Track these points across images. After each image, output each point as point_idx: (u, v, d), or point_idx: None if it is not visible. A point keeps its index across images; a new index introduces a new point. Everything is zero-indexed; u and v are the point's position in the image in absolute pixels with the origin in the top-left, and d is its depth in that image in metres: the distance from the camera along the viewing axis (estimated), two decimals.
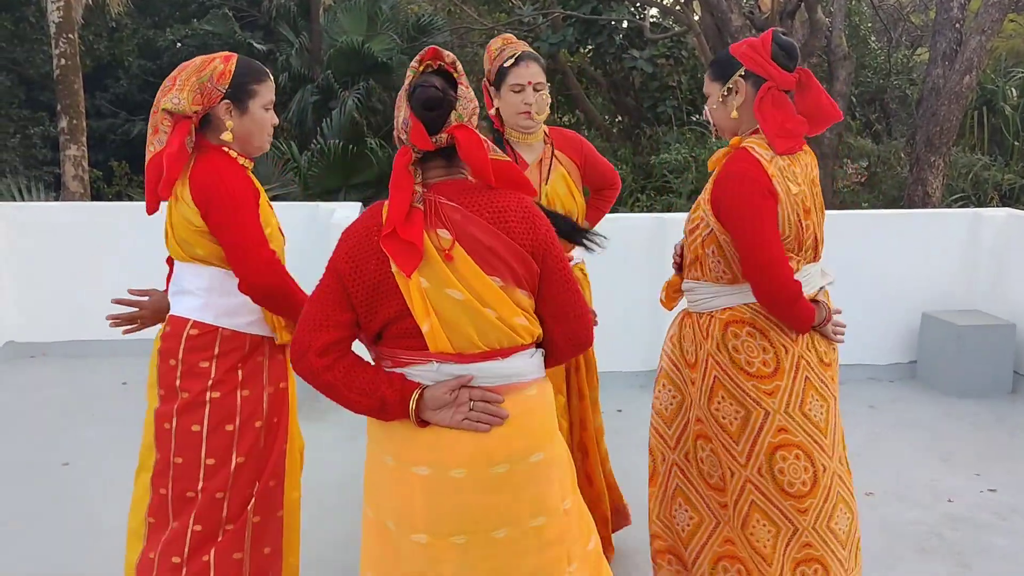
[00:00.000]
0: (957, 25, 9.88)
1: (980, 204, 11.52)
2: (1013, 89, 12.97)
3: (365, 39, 14.37)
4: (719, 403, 2.86)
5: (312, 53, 15.10)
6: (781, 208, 2.73)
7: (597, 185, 3.64)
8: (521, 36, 15.11)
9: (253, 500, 2.76)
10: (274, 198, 7.11)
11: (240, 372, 2.74)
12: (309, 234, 5.65)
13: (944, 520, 4.26)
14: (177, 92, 2.67)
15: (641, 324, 6.00)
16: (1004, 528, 4.18)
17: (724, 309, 2.87)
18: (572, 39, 13.85)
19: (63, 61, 10.20)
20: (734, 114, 2.83)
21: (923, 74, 11.38)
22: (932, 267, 6.39)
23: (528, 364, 2.24)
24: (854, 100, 15.48)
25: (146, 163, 2.72)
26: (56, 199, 11.01)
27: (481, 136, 2.17)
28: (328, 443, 4.90)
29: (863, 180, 14.60)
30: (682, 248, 3.04)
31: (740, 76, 2.80)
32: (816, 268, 2.97)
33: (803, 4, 9.42)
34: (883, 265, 6.36)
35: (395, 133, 2.23)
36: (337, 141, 12.64)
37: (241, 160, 2.76)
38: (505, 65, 3.29)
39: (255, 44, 15.64)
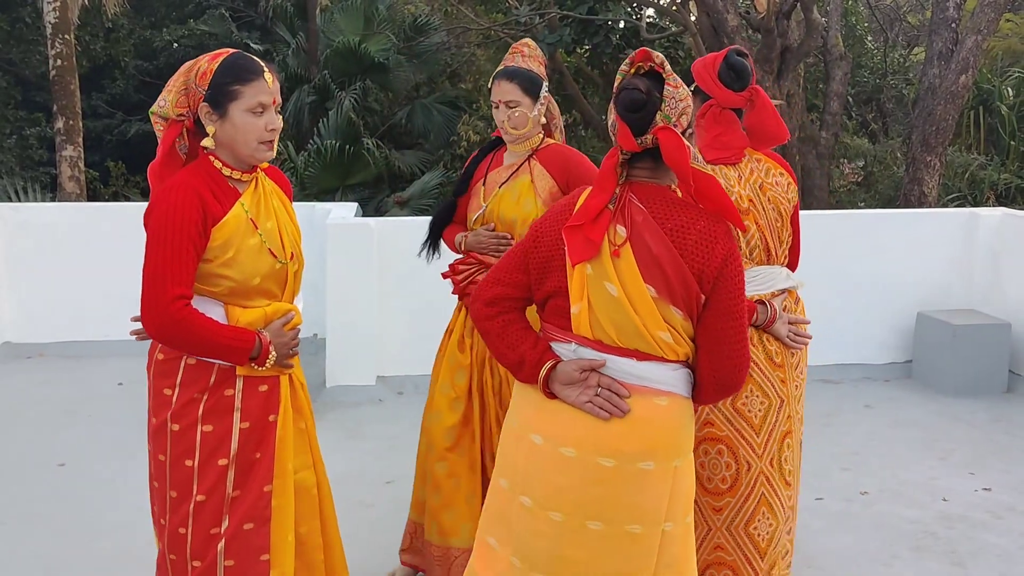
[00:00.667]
0: (953, 25, 9.90)
1: (976, 204, 11.54)
2: (1009, 89, 12.99)
3: (362, 39, 14.36)
4: (747, 398, 2.95)
5: (309, 53, 15.09)
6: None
7: None
8: (517, 36, 15.11)
9: (223, 541, 2.52)
10: None
11: (201, 406, 2.50)
12: (304, 234, 5.63)
13: (939, 519, 4.27)
14: (165, 93, 2.51)
15: None
16: (999, 527, 4.19)
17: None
18: (569, 39, 13.83)
19: (59, 62, 10.20)
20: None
21: (919, 74, 11.40)
22: (928, 266, 6.41)
23: (666, 375, 2.24)
24: (851, 100, 15.51)
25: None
26: (52, 200, 11.01)
27: (686, 142, 2.17)
28: (328, 443, 4.89)
29: (860, 180, 14.63)
30: None
31: (691, 91, 2.89)
32: (771, 270, 3.06)
33: (799, 4, 9.42)
34: (879, 264, 6.38)
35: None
36: (334, 141, 12.63)
37: (226, 171, 2.51)
38: (489, 85, 3.38)
39: (252, 44, 15.62)
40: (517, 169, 3.38)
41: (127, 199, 14.33)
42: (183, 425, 2.50)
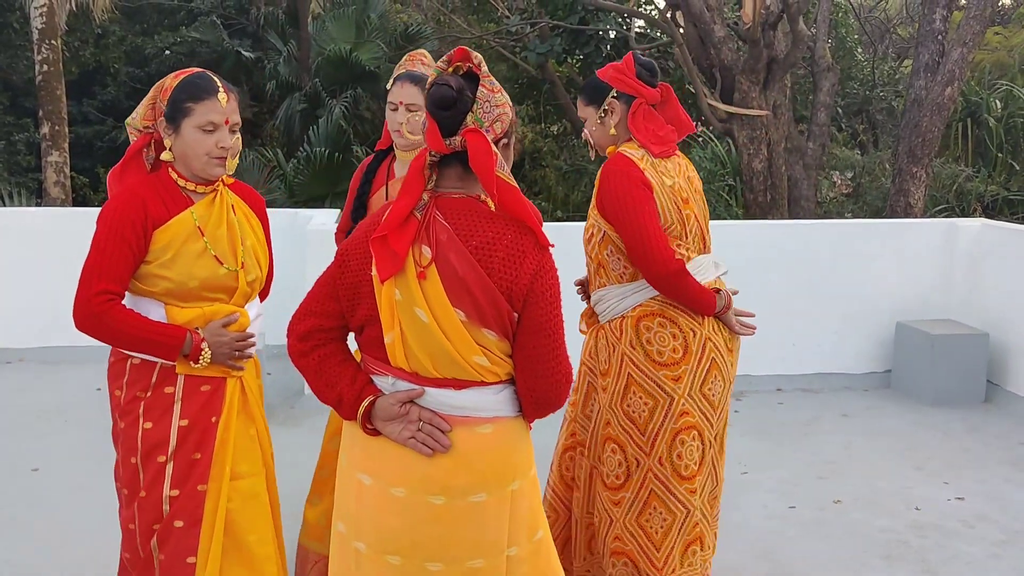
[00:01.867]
0: (939, 37, 9.92)
1: (964, 215, 11.57)
2: (997, 101, 13.04)
3: (353, 48, 14.39)
4: (631, 399, 3.10)
5: (300, 61, 15.11)
6: (657, 197, 3.03)
7: None
8: (509, 46, 15.15)
9: (155, 537, 2.61)
10: None
11: (142, 404, 2.61)
12: (287, 240, 5.65)
13: (911, 527, 4.28)
14: (139, 107, 2.67)
15: None
16: (970, 536, 4.19)
17: (635, 307, 3.10)
18: (560, 49, 13.88)
19: (45, 67, 10.22)
20: (612, 131, 3.15)
21: (906, 85, 11.44)
22: (907, 276, 6.43)
23: (487, 400, 2.13)
24: (840, 111, 15.55)
25: None
26: (39, 205, 11.00)
27: (493, 148, 2.04)
28: (306, 449, 4.88)
29: (849, 192, 14.66)
30: (584, 279, 3.33)
31: (613, 97, 3.12)
32: (708, 259, 3.20)
33: (785, 15, 9.45)
34: (859, 274, 6.39)
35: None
36: (324, 149, 12.64)
37: (181, 183, 2.64)
38: (387, 86, 3.33)
39: (243, 52, 15.64)
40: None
41: None
42: (127, 423, 2.62)
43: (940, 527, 4.28)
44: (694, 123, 3.49)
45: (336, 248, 2.84)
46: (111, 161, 17.91)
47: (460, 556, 2.12)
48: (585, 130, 3.25)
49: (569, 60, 15.05)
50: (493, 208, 2.09)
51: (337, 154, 12.63)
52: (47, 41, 10.21)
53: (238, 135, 2.64)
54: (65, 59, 11.15)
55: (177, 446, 2.60)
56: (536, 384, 2.13)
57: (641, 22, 14.10)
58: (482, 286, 2.04)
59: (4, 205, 9.94)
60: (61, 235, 6.72)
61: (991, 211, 11.88)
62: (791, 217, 9.96)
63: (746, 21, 9.39)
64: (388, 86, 3.35)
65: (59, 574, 3.74)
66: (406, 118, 3.26)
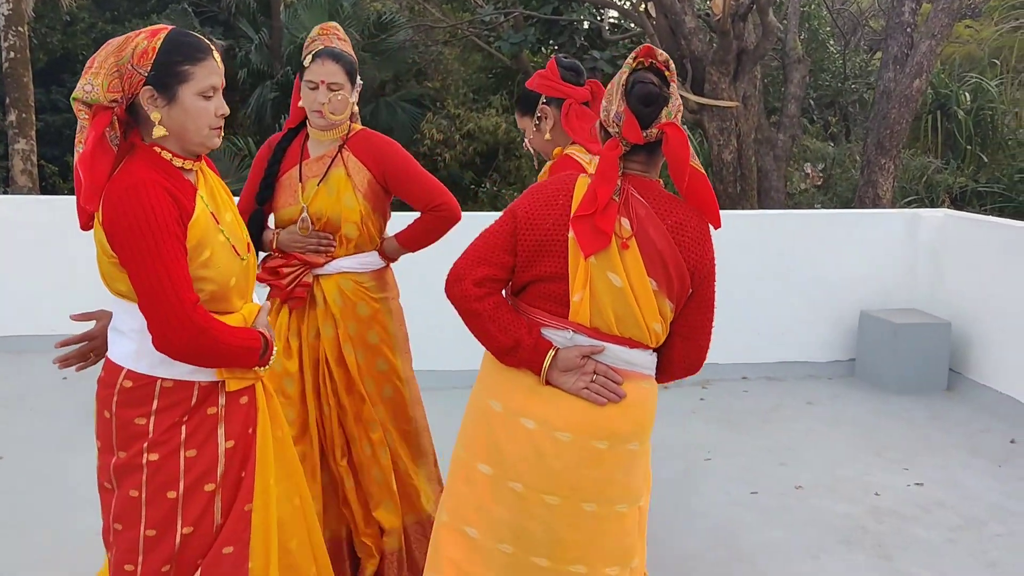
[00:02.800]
0: (908, 29, 10.01)
1: (933, 207, 11.67)
2: (966, 94, 13.16)
3: None
4: None
5: (272, 49, 15.03)
6: None
7: (418, 204, 3.39)
8: (483, 35, 15.14)
9: (199, 570, 2.29)
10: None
11: (184, 429, 2.26)
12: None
13: (870, 513, 4.33)
14: (92, 76, 2.14)
15: None
16: (927, 520, 4.26)
17: None
18: (534, 39, 13.90)
19: (12, 54, 10.11)
20: (548, 136, 3.16)
21: (876, 77, 11.52)
22: (871, 266, 6.49)
23: (648, 360, 2.38)
24: (811, 103, 15.64)
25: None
26: (5, 193, 10.91)
27: (689, 139, 2.26)
28: None
29: (820, 183, 14.76)
30: None
31: (544, 103, 3.14)
32: None
33: (755, 7, 9.50)
34: (823, 264, 6.45)
35: (600, 124, 2.36)
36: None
37: (177, 162, 2.24)
38: (304, 62, 3.21)
39: (215, 39, 15.53)
40: (331, 162, 3.26)
41: None
42: (163, 454, 2.24)
43: (898, 513, 4.34)
44: None
45: None
46: None
47: (612, 499, 2.33)
48: (526, 141, 3.29)
49: (543, 50, 15.05)
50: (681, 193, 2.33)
51: None
52: (14, 28, 10.10)
53: None
54: (32, 46, 11.05)
55: (224, 470, 2.31)
56: (692, 351, 2.42)
57: (614, 13, 14.12)
58: (676, 261, 2.28)
59: None
60: (28, 224, 6.68)
61: (960, 203, 12.00)
62: (761, 208, 10.04)
63: (716, 13, 9.45)
64: (305, 62, 3.20)
65: (27, 561, 3.72)
66: (328, 97, 3.18)
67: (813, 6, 15.55)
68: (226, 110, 2.28)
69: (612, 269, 2.25)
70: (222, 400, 2.31)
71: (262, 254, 3.36)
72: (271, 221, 3.38)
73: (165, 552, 2.26)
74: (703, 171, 2.33)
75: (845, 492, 4.56)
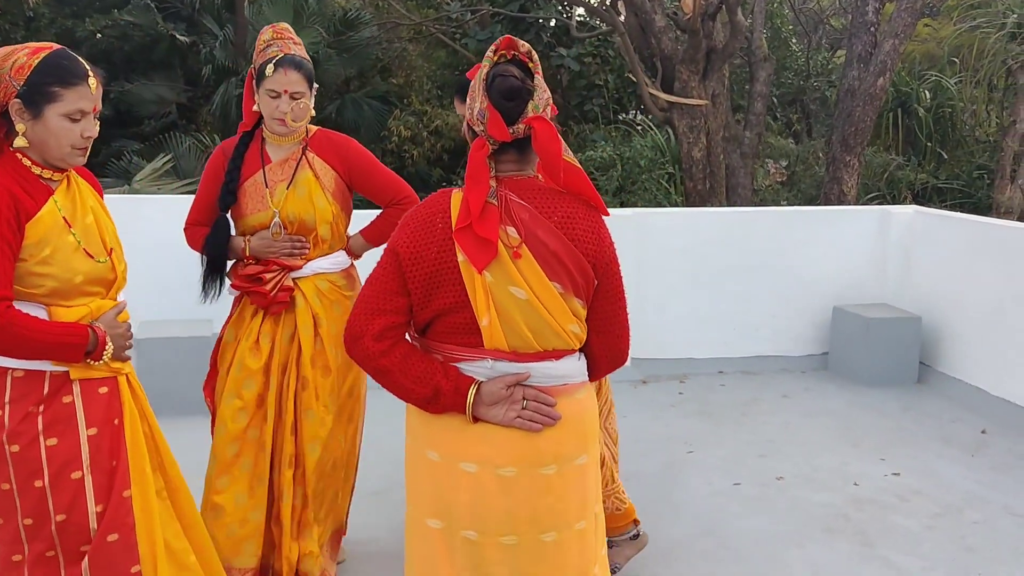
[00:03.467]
0: (872, 29, 10.18)
1: (895, 203, 11.87)
2: (927, 92, 13.38)
3: None
4: None
5: (237, 46, 14.91)
6: None
7: (380, 200, 3.46)
8: (449, 32, 15.15)
9: (85, 559, 2.36)
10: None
11: (40, 419, 2.32)
12: None
13: (850, 502, 4.44)
14: None
15: None
16: (905, 509, 4.37)
17: None
18: (500, 36, 13.93)
19: None
20: None
21: (840, 76, 11.71)
22: (843, 262, 6.62)
23: (577, 367, 2.26)
24: (775, 101, 15.82)
25: None
26: None
27: (557, 132, 2.13)
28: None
29: (783, 180, 14.95)
30: None
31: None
32: None
33: (724, 6, 9.61)
34: (796, 260, 6.57)
35: (465, 124, 2.24)
36: None
37: (36, 170, 2.36)
38: (265, 70, 3.18)
39: (178, 36, 15.37)
40: (297, 165, 3.28)
41: None
42: (23, 444, 2.31)
43: (877, 501, 4.45)
44: (635, 112, 3.64)
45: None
46: None
47: (570, 521, 2.22)
48: (463, 127, 3.33)
49: None
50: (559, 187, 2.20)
51: None
52: None
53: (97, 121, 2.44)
54: None
55: (91, 457, 2.37)
56: (612, 343, 2.30)
57: (582, 10, 14.20)
58: (573, 258, 2.15)
59: None
60: None
61: (921, 199, 12.21)
62: (728, 205, 10.16)
63: (686, 11, 9.54)
64: (267, 71, 3.16)
65: None
66: (290, 106, 3.19)
67: (775, 4, 15.74)
68: (93, 133, 2.38)
69: (512, 283, 2.11)
70: (77, 389, 2.37)
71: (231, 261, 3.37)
72: (233, 228, 3.35)
73: (45, 538, 2.34)
74: (577, 164, 2.21)
75: (825, 482, 4.66)
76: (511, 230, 2.12)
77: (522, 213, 2.14)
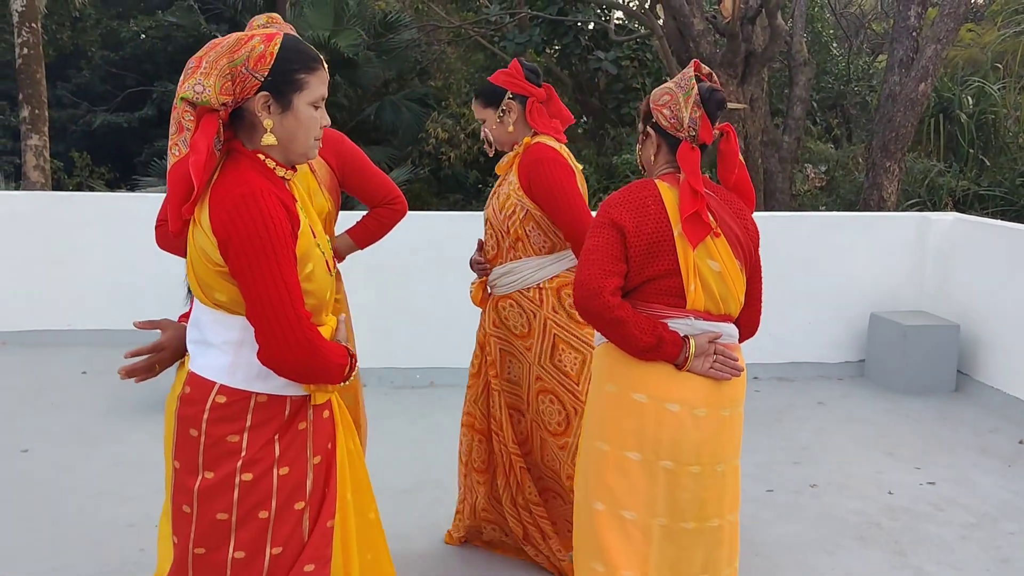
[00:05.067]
0: (914, 33, 10.09)
1: (935, 210, 11.74)
2: (969, 97, 13.23)
3: (331, 34, 14.36)
4: (560, 355, 3.45)
5: None
6: (578, 180, 3.45)
7: (370, 200, 3.48)
8: (488, 35, 15.18)
9: None
10: None
11: (277, 446, 2.15)
12: None
13: (884, 510, 4.41)
14: (202, 76, 2.03)
15: None
16: (940, 518, 4.33)
17: (552, 277, 3.46)
18: (538, 39, 13.93)
19: (25, 50, 10.15)
20: (511, 128, 3.51)
21: (881, 81, 11.61)
22: (881, 269, 6.57)
23: (736, 330, 2.74)
24: (815, 105, 15.71)
25: (168, 169, 2.08)
26: (17, 189, 10.95)
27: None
28: None
29: (823, 185, 14.85)
30: (481, 258, 3.64)
31: (510, 98, 3.49)
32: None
33: (764, 10, 9.57)
34: (834, 266, 6.53)
35: (663, 130, 2.66)
36: None
37: (280, 171, 2.16)
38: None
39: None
40: None
41: (92, 189, 14.26)
42: (257, 473, 2.13)
43: (911, 510, 4.42)
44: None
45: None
46: (86, 145, 17.76)
47: (731, 456, 2.69)
48: (484, 129, 3.57)
49: (548, 51, 15.11)
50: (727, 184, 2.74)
51: None
52: (27, 24, 10.14)
53: None
54: (43, 42, 11.07)
55: (312, 487, 2.21)
56: (753, 315, 2.82)
57: (620, 13, 14.18)
58: (745, 242, 2.68)
59: None
60: (43, 219, 6.74)
61: (962, 206, 12.07)
62: (767, 210, 10.11)
63: (725, 15, 9.52)
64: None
65: (52, 552, 3.78)
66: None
67: (816, 8, 15.63)
68: (328, 121, 2.21)
69: (710, 257, 2.60)
70: (311, 415, 2.22)
71: None
72: None
73: (255, 574, 2.16)
74: (744, 163, 2.74)
75: (859, 490, 4.64)
76: (710, 216, 2.60)
77: (712, 202, 2.63)
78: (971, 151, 12.79)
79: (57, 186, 13.96)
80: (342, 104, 14.94)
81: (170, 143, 2.07)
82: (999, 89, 13.24)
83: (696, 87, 2.64)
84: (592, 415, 2.72)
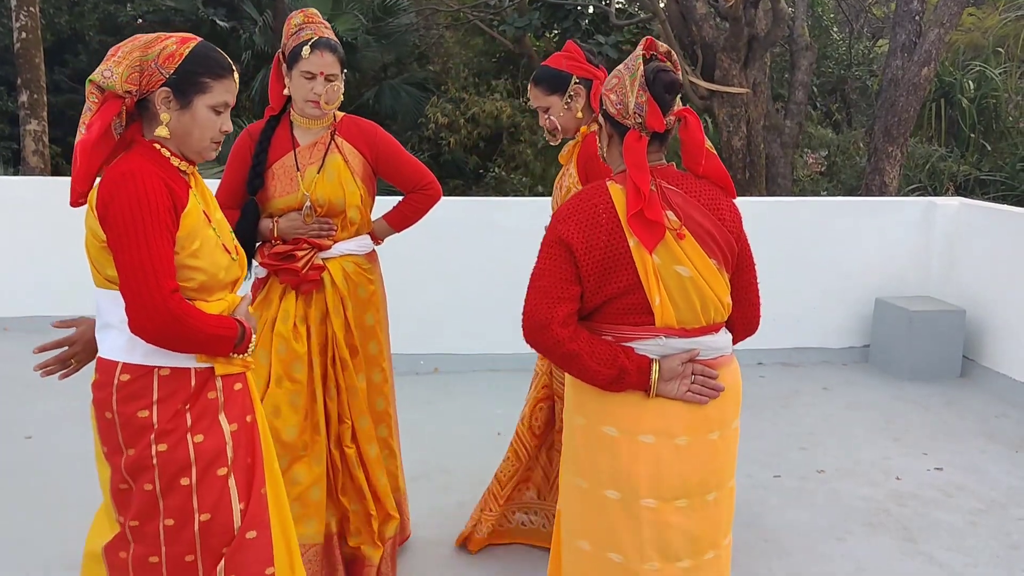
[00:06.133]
0: (916, 17, 10.03)
1: (936, 195, 11.72)
2: (970, 82, 13.19)
3: (330, 19, 14.26)
4: None
5: (276, 31, 14.96)
6: None
7: (404, 186, 3.52)
8: (487, 19, 15.11)
9: (223, 560, 2.30)
10: None
11: (188, 415, 2.26)
12: None
13: (892, 496, 4.40)
14: (114, 64, 2.21)
15: None
16: (948, 504, 4.32)
17: None
18: (538, 23, 13.85)
19: (24, 35, 10.07)
20: (579, 114, 3.36)
21: (883, 65, 11.55)
22: (886, 254, 6.55)
23: (728, 339, 2.46)
24: (815, 90, 15.66)
25: (75, 145, 2.26)
26: (15, 174, 10.89)
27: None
28: None
29: (823, 170, 14.81)
30: None
31: (576, 83, 3.33)
32: None
33: None
34: (839, 251, 6.51)
35: (610, 117, 2.40)
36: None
37: (175, 161, 2.30)
38: (301, 52, 3.19)
39: (218, 21, 15.46)
40: (327, 150, 3.32)
41: None
42: (171, 443, 2.24)
43: (920, 496, 4.41)
44: None
45: None
46: None
47: (725, 480, 2.44)
48: (548, 118, 3.39)
49: (547, 34, 15.03)
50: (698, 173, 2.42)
51: None
52: (25, 8, 10.05)
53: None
54: (41, 27, 10.99)
55: (233, 454, 2.32)
56: (750, 311, 2.54)
57: None
58: (723, 237, 2.37)
59: None
60: (42, 204, 6.69)
61: (963, 191, 12.05)
62: (768, 195, 10.07)
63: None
64: (303, 52, 3.17)
65: (56, 539, 3.76)
66: (324, 88, 3.21)
67: None
68: (229, 127, 2.35)
69: (677, 262, 2.29)
70: (219, 384, 2.32)
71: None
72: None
73: (186, 541, 2.26)
74: (714, 151, 2.44)
75: (866, 476, 4.62)
76: (670, 214, 2.31)
77: (675, 198, 2.34)
78: (972, 136, 12.76)
79: (56, 171, 13.87)
80: None
81: (80, 121, 2.25)
82: (1001, 74, 13.20)
83: (640, 68, 2.35)
84: (567, 449, 2.49)
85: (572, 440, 2.45)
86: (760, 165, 10.06)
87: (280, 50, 3.28)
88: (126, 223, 2.14)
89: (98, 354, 2.31)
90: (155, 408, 2.23)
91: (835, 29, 16.67)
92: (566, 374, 2.49)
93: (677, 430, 2.34)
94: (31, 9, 10.12)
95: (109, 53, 2.23)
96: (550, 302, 2.28)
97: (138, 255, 2.14)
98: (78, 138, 2.22)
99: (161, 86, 2.23)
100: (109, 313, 2.27)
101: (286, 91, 3.30)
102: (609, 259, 2.29)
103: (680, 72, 2.39)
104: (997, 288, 6.06)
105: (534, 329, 2.30)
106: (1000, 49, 13.94)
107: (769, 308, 6.52)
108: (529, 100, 3.49)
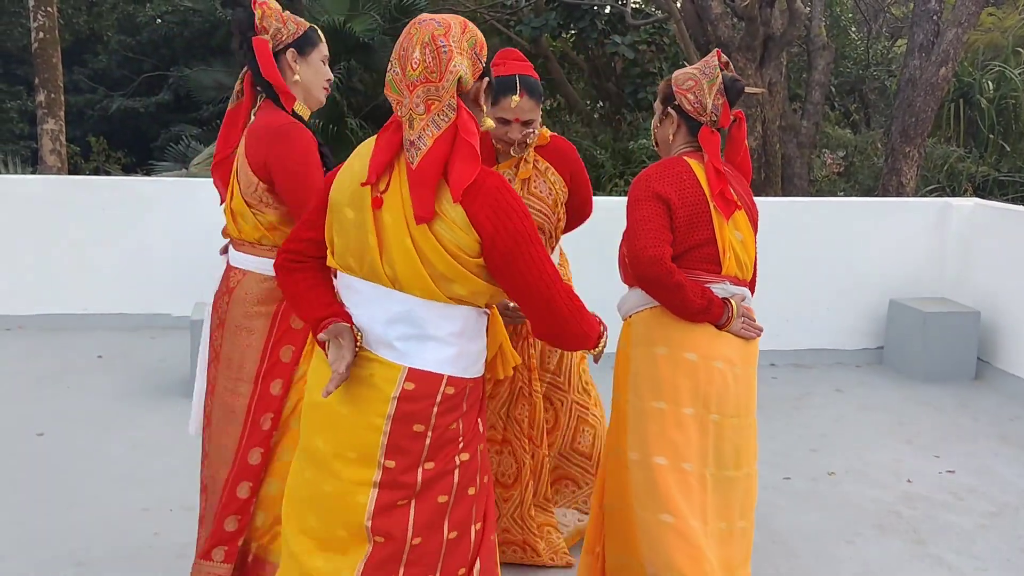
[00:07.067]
0: (935, 17, 9.98)
1: (954, 195, 11.63)
2: (989, 82, 13.08)
3: (347, 19, 14.29)
4: None
5: None
6: None
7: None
8: (503, 19, 15.12)
9: (478, 562, 2.28)
10: None
11: (480, 424, 2.29)
12: None
13: (903, 499, 4.37)
14: (457, 55, 2.11)
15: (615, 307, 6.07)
16: (959, 507, 4.29)
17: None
18: (554, 23, 13.84)
19: (41, 35, 10.15)
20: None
21: (901, 65, 11.49)
22: (901, 255, 6.51)
23: None
24: (833, 90, 15.58)
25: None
26: (33, 173, 10.97)
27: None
28: None
29: (840, 170, 14.74)
30: None
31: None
32: None
33: None
34: (853, 252, 6.47)
35: (685, 114, 2.86)
36: (317, 121, 12.61)
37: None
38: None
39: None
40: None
41: (108, 174, 14.27)
42: (472, 451, 2.25)
43: (931, 499, 4.38)
44: None
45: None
46: (103, 130, 17.69)
47: (753, 409, 2.94)
48: (531, 131, 3.29)
49: (564, 35, 15.02)
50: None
51: (331, 126, 12.60)
52: (43, 8, 10.13)
53: None
54: (60, 27, 11.07)
55: (484, 460, 2.35)
56: (755, 279, 3.04)
57: None
58: (753, 215, 2.94)
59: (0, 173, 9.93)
60: (59, 203, 6.74)
61: (982, 191, 11.96)
62: (784, 195, 10.03)
63: None
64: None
65: (67, 536, 3.79)
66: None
67: None
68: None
69: (736, 228, 2.86)
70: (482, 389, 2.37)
71: None
72: None
73: (462, 553, 2.23)
74: (747, 146, 3.02)
75: (877, 478, 4.60)
76: (732, 191, 2.85)
77: (731, 179, 2.88)
78: (991, 136, 12.66)
79: (74, 171, 13.98)
80: (357, 89, 14.89)
81: (421, 123, 2.09)
82: (1020, 74, 13.08)
83: (720, 76, 2.85)
84: (643, 377, 2.86)
85: (651, 368, 2.84)
86: (776, 165, 10.03)
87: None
88: (521, 244, 2.13)
89: (409, 365, 2.17)
90: (462, 420, 2.22)
91: (853, 29, 16.58)
92: (635, 317, 2.93)
93: (736, 359, 2.83)
94: (49, 9, 10.19)
95: (442, 45, 2.09)
96: (659, 242, 2.72)
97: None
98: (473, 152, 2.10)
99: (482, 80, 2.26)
100: (434, 327, 2.16)
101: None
102: (694, 215, 2.77)
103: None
104: (1012, 289, 6.01)
105: (647, 263, 2.70)
106: (1020, 49, 13.82)
107: (782, 309, 6.55)
108: (545, 100, 3.40)
